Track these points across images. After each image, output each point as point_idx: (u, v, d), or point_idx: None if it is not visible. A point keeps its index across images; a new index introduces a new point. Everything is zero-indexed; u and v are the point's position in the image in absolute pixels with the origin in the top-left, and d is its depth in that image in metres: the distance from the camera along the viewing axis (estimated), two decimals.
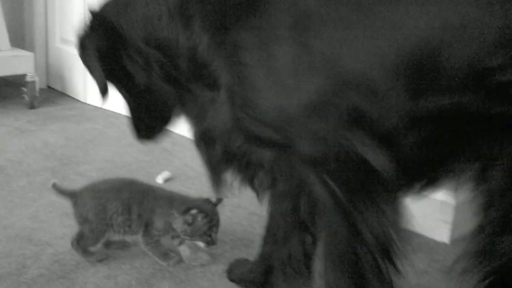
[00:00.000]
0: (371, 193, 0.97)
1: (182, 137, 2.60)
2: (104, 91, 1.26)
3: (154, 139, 1.35)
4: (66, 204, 1.83)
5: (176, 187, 1.96)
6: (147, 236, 1.48)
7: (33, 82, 2.94)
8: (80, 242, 1.50)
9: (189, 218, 1.44)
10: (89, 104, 3.08)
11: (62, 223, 1.71)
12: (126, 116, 1.33)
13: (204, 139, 1.18)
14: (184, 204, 1.46)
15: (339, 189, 0.97)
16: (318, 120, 0.94)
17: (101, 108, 2.99)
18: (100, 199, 1.48)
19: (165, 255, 1.50)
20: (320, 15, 0.93)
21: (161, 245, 1.50)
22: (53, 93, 3.27)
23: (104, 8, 1.21)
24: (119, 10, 1.18)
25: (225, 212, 1.83)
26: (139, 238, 1.50)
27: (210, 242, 1.46)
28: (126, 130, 2.61)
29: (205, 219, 1.44)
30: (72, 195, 1.52)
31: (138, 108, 1.28)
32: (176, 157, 2.35)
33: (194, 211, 1.43)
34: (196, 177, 2.12)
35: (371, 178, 0.96)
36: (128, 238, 1.53)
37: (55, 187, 1.52)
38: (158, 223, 1.47)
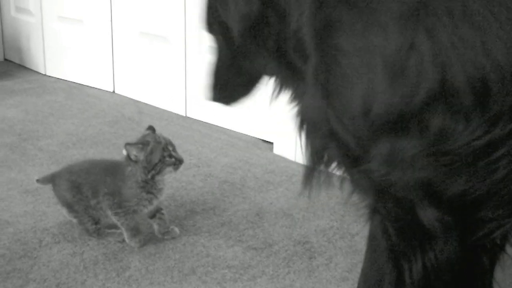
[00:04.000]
0: (418, 240, 0.86)
1: (149, 105, 2.51)
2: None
3: (231, 104, 1.21)
4: (26, 181, 1.74)
5: None
6: (116, 205, 1.40)
7: None
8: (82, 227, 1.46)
9: (132, 156, 1.38)
10: (49, 76, 2.94)
11: (23, 201, 1.62)
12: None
13: (301, 124, 1.02)
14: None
15: (392, 227, 0.87)
16: (399, 137, 0.80)
17: (62, 80, 2.85)
18: (74, 181, 1.44)
19: (133, 229, 1.41)
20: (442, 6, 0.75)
21: (132, 217, 1.41)
22: (11, 66, 3.11)
23: None
24: None
25: (196, 182, 1.76)
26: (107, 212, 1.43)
27: (176, 162, 1.40)
28: (90, 101, 2.54)
29: (146, 147, 1.38)
30: (52, 179, 1.50)
31: (228, 61, 1.12)
32: (143, 127, 2.23)
33: (124, 150, 1.39)
34: None
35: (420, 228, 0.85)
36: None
37: (39, 181, 1.50)
38: (127, 192, 1.40)
